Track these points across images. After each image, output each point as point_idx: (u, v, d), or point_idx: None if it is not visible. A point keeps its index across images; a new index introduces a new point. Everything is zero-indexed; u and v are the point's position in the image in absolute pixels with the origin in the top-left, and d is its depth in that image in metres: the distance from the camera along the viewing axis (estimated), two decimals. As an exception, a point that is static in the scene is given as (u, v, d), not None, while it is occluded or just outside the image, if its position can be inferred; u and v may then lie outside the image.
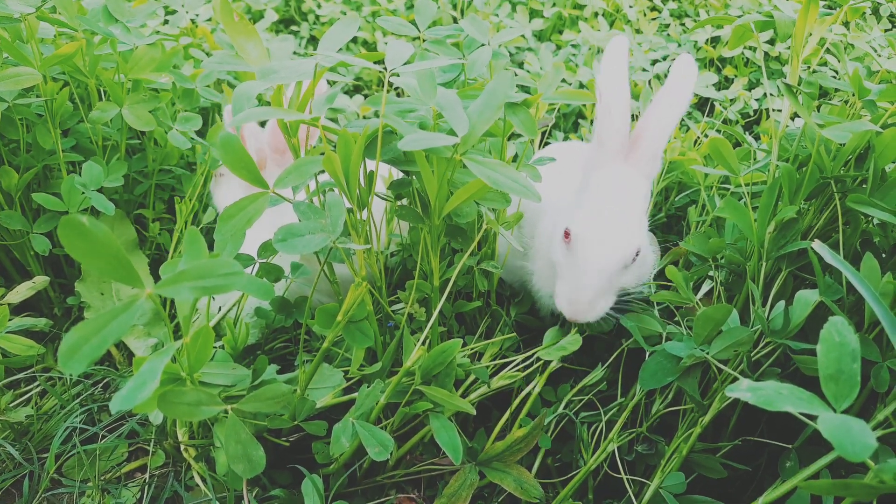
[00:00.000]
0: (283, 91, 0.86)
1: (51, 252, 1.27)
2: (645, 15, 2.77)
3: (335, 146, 0.82)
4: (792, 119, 1.53)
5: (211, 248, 0.76)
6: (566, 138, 2.05)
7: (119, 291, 1.34)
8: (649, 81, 2.23)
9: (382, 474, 1.04)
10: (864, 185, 1.01)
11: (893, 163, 1.01)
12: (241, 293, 1.14)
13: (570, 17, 2.77)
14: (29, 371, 1.23)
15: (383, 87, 0.85)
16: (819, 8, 1.05)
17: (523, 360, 1.11)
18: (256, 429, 0.93)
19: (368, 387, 0.93)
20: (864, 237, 1.07)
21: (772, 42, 2.57)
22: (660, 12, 2.87)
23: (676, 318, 1.09)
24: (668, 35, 2.70)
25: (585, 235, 0.97)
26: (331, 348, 0.92)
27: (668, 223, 1.62)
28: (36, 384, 1.22)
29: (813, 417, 0.55)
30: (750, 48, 2.53)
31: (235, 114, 0.76)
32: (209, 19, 2.26)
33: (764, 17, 1.09)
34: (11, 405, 1.17)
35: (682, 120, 2.16)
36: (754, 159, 1.38)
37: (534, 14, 2.81)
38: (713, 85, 2.20)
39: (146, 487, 1.06)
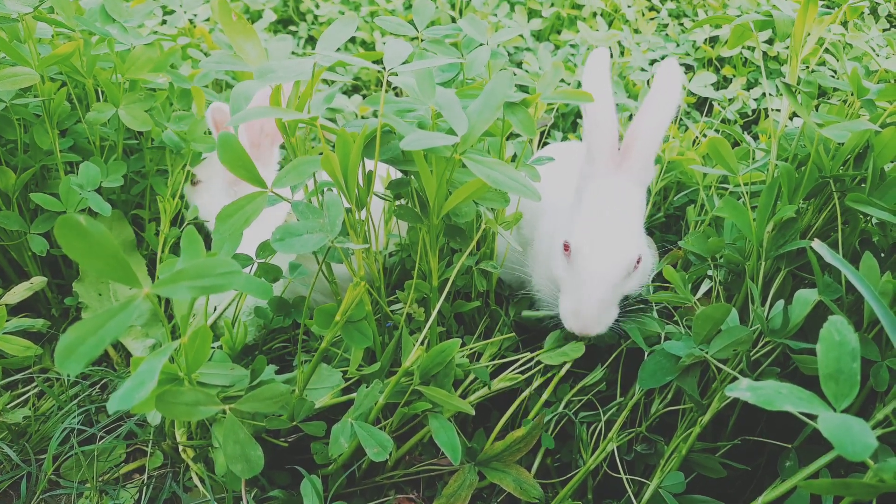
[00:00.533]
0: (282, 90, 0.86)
1: (48, 252, 1.27)
2: (643, 15, 2.78)
3: (333, 146, 0.81)
4: (790, 119, 1.53)
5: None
6: (565, 138, 2.05)
7: (117, 292, 1.34)
8: (648, 81, 2.23)
9: (381, 475, 1.04)
10: (863, 185, 1.01)
11: (892, 162, 1.01)
12: (238, 293, 1.14)
13: (568, 16, 2.77)
14: (26, 372, 1.23)
15: (382, 86, 0.85)
16: (818, 7, 1.05)
17: (524, 363, 1.11)
18: (255, 429, 0.92)
19: (367, 387, 0.93)
20: (863, 236, 1.07)
21: (770, 42, 2.57)
22: (658, 12, 2.87)
23: (675, 318, 1.08)
24: (667, 35, 2.70)
25: (586, 248, 0.97)
26: (329, 348, 0.92)
27: (666, 223, 1.62)
28: (33, 385, 1.22)
29: (812, 417, 0.55)
30: (748, 48, 2.53)
31: (233, 113, 0.76)
32: (207, 19, 2.26)
33: (763, 16, 1.09)
34: (9, 406, 1.16)
35: (681, 119, 2.16)
36: (753, 159, 1.38)
37: (532, 14, 2.82)
38: (712, 85, 2.20)
39: (144, 488, 1.05)
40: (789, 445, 0.93)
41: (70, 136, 1.37)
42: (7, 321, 1.11)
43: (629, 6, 2.83)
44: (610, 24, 2.79)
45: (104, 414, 1.16)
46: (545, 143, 1.88)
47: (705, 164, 1.52)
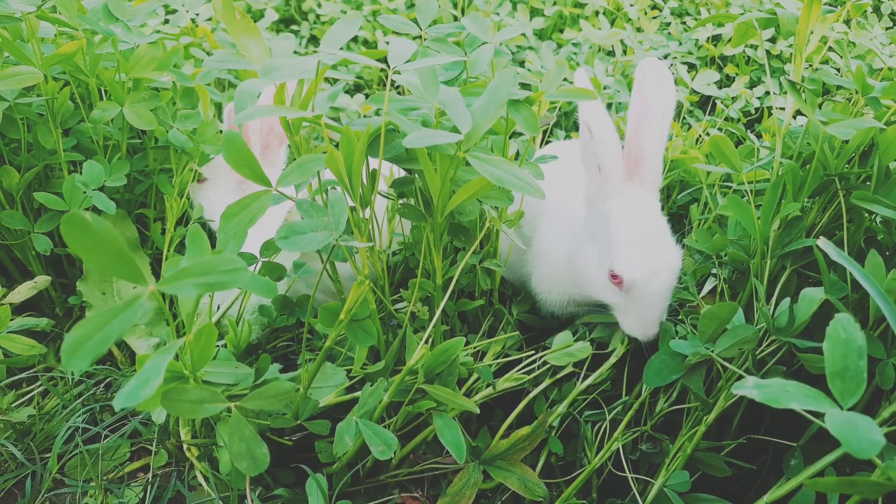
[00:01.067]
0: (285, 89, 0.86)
1: (52, 252, 1.27)
2: (646, 13, 2.77)
3: (337, 144, 0.81)
4: (794, 117, 1.52)
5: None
6: (567, 137, 2.04)
7: (120, 291, 1.34)
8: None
9: (386, 473, 1.03)
10: (867, 182, 1.00)
11: (897, 159, 1.00)
12: (242, 291, 1.14)
13: (570, 15, 2.77)
14: (31, 371, 1.23)
15: (385, 85, 0.85)
16: (822, 5, 1.05)
17: (530, 362, 1.11)
18: (259, 428, 0.92)
19: (371, 385, 0.93)
20: (868, 234, 1.07)
21: (773, 40, 2.57)
22: (661, 10, 2.87)
23: (681, 317, 1.08)
24: (669, 34, 2.70)
25: (639, 277, 0.98)
26: (333, 347, 0.92)
27: (670, 221, 1.61)
28: (38, 384, 1.22)
29: (818, 415, 0.55)
30: (751, 46, 2.53)
31: (238, 111, 0.76)
32: (209, 19, 2.26)
33: (767, 14, 1.09)
34: (13, 405, 1.17)
35: (684, 118, 2.16)
36: (757, 157, 1.37)
37: (535, 13, 2.81)
38: (714, 83, 2.19)
39: (149, 487, 1.05)
40: (794, 444, 0.93)
41: (73, 136, 1.37)
42: (11, 320, 1.11)
43: (631, 5, 2.83)
44: (612, 23, 2.78)
45: (108, 413, 1.16)
46: (547, 142, 1.88)
47: (708, 163, 1.51)
